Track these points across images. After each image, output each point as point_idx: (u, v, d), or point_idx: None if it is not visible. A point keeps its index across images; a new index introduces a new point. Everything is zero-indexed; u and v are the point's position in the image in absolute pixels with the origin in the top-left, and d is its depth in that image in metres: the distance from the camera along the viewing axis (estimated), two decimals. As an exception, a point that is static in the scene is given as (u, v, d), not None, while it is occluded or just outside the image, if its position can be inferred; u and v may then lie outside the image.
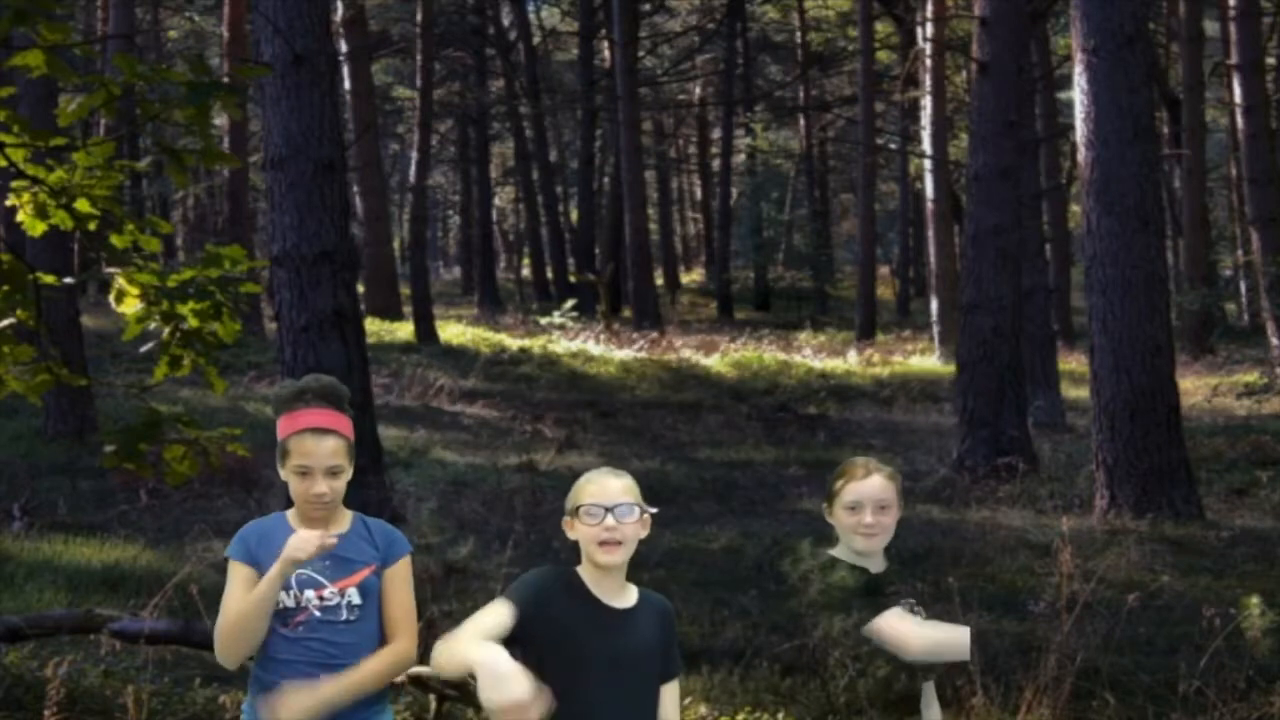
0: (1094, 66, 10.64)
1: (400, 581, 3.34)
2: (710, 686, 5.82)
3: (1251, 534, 9.99)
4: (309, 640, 3.22)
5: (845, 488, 3.33)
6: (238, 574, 3.25)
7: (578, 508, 3.05)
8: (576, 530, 3.06)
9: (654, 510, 3.13)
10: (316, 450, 3.24)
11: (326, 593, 3.24)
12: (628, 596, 3.10)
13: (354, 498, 3.52)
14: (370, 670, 3.23)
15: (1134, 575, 8.07)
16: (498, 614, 2.93)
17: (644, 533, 3.10)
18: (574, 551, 3.11)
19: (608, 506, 3.02)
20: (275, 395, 3.37)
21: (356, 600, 3.26)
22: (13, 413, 13.44)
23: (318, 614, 3.23)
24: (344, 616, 3.24)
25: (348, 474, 3.31)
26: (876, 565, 3.36)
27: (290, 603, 3.23)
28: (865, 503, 3.30)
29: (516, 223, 49.05)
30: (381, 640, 3.31)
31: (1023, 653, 6.09)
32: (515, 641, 2.95)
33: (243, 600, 3.19)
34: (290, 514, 3.35)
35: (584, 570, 3.08)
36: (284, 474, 3.31)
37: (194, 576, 6.85)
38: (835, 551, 3.37)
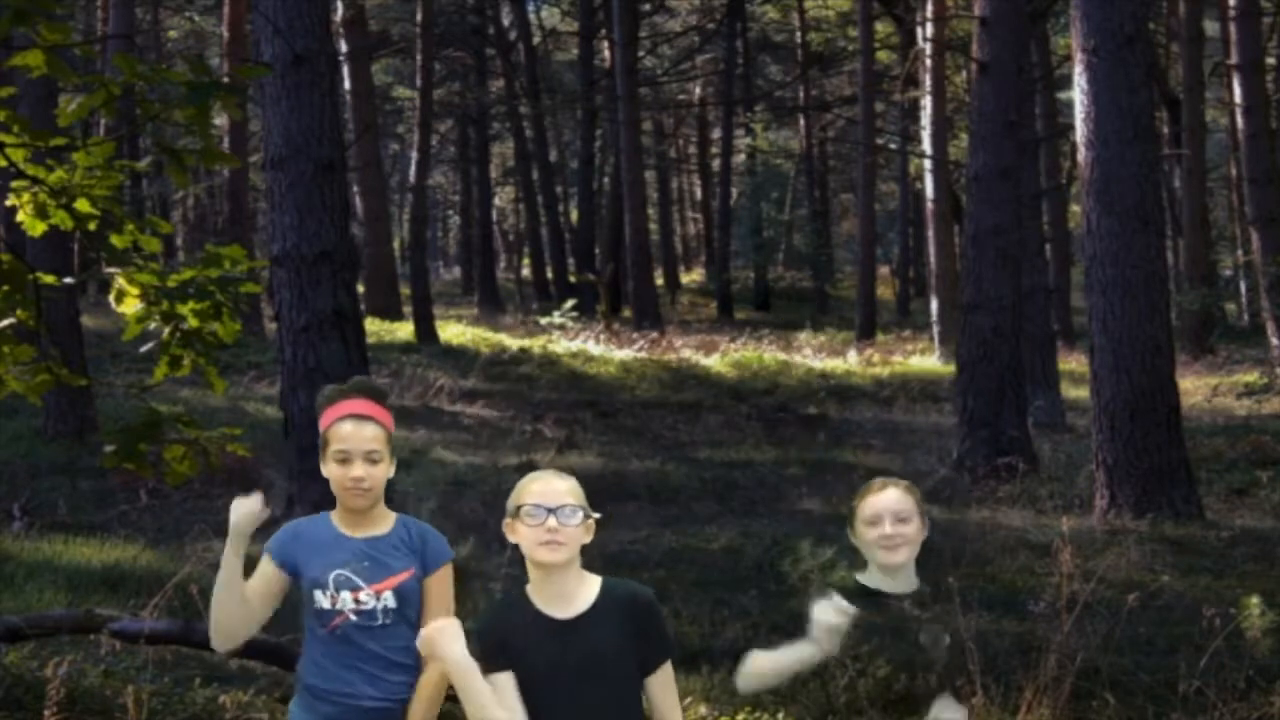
0: (1094, 66, 10.63)
1: (439, 590, 3.31)
2: (710, 686, 5.81)
3: (1251, 534, 9.98)
4: (347, 644, 3.23)
5: (863, 503, 3.35)
6: (259, 566, 3.31)
7: (519, 508, 2.95)
8: (517, 532, 2.97)
9: (597, 515, 3.04)
10: (355, 435, 3.26)
11: (362, 595, 3.24)
12: (579, 601, 2.99)
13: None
14: (424, 702, 3.22)
15: (1134, 575, 8.06)
16: (492, 686, 2.90)
17: (587, 538, 3.00)
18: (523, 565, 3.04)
19: (550, 508, 2.92)
20: (318, 399, 3.42)
21: (392, 604, 3.25)
22: (13, 413, 13.43)
23: (354, 617, 3.23)
24: (380, 621, 3.24)
25: (388, 465, 3.31)
26: (905, 585, 3.34)
27: (327, 604, 3.23)
28: (884, 515, 3.30)
29: (516, 223, 49.05)
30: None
31: (1023, 653, 6.08)
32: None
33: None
34: (334, 513, 3.35)
35: (531, 586, 3.00)
36: (325, 469, 3.31)
37: (194, 576, 6.85)
38: (862, 576, 3.36)
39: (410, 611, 3.27)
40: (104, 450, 4.81)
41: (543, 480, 3.01)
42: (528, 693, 2.90)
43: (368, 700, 3.21)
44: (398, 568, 3.27)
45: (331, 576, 3.23)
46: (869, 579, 3.35)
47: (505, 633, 2.94)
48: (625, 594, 3.04)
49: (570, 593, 2.99)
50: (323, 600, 3.23)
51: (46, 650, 5.62)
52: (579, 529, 2.97)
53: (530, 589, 3.00)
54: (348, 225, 10.31)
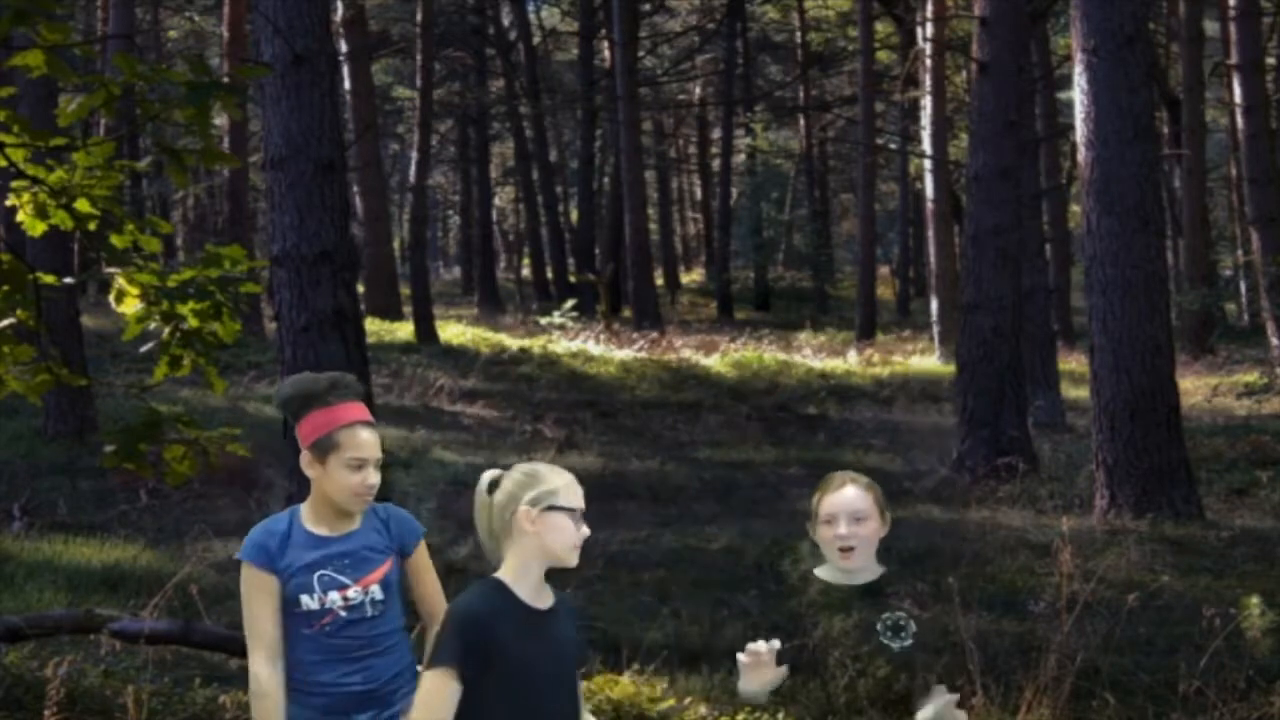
0: (1094, 66, 10.63)
1: (424, 568, 3.41)
2: (710, 686, 5.82)
3: (1251, 534, 9.98)
4: (335, 638, 3.25)
5: (821, 501, 3.25)
6: (259, 583, 3.21)
7: (551, 505, 2.94)
8: (543, 525, 2.94)
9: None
10: (370, 442, 3.29)
11: (350, 592, 3.26)
12: (549, 594, 3.04)
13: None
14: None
15: (1134, 575, 8.06)
16: (447, 692, 2.81)
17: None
18: None
19: (583, 512, 2.99)
20: (299, 390, 3.31)
21: (379, 595, 3.29)
22: (13, 413, 13.43)
23: (344, 614, 3.25)
24: (369, 613, 3.28)
25: None
26: (866, 577, 3.28)
27: (315, 605, 3.23)
28: (839, 514, 3.21)
29: (516, 223, 49.05)
30: (404, 624, 3.38)
31: (1023, 653, 6.09)
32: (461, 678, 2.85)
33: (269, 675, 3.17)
34: (304, 509, 3.33)
35: (514, 574, 2.98)
36: (326, 468, 3.25)
37: (194, 576, 6.86)
38: (820, 571, 3.32)
39: (395, 594, 3.33)
40: (104, 450, 4.82)
41: (569, 480, 3.01)
42: (514, 683, 2.89)
43: (358, 685, 3.24)
44: (378, 560, 3.30)
45: (316, 578, 3.23)
46: (826, 573, 3.30)
47: (495, 618, 2.89)
48: (566, 600, 3.13)
49: (544, 586, 3.04)
50: (310, 603, 3.23)
51: (46, 650, 5.62)
52: None
53: (511, 580, 2.98)
54: (348, 225, 10.30)
